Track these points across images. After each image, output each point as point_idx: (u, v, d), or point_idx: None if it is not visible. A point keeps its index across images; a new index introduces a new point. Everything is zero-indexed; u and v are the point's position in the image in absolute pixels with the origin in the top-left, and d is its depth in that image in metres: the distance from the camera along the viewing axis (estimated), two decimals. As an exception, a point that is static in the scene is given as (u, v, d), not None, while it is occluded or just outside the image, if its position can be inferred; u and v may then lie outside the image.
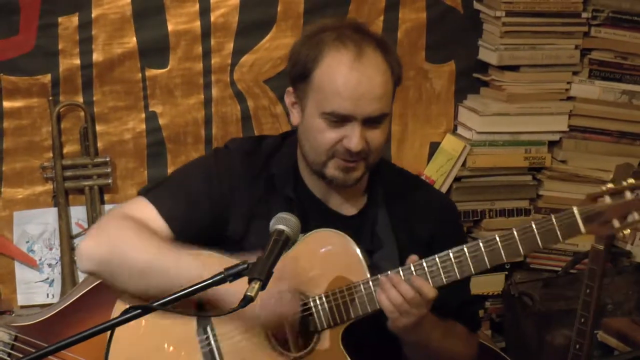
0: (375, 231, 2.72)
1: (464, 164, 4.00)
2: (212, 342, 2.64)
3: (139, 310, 2.16)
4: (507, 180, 4.07)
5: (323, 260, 2.58)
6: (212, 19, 3.82)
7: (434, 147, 4.09)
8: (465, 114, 4.06)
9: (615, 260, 3.88)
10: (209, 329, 2.65)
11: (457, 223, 2.94)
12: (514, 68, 4.01)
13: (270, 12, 3.84)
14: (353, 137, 2.56)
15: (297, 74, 2.64)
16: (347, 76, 2.55)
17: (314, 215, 2.68)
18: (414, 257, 2.56)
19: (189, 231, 2.66)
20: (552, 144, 4.08)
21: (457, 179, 4.02)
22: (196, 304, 2.61)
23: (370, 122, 2.58)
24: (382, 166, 2.77)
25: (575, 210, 2.50)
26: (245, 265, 2.26)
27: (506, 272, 4.09)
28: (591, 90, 4.03)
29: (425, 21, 4.00)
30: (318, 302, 2.59)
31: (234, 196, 2.69)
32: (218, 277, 2.25)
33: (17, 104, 3.75)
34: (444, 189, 3.97)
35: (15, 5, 3.66)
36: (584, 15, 3.97)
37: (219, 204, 2.69)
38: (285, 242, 2.37)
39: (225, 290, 2.42)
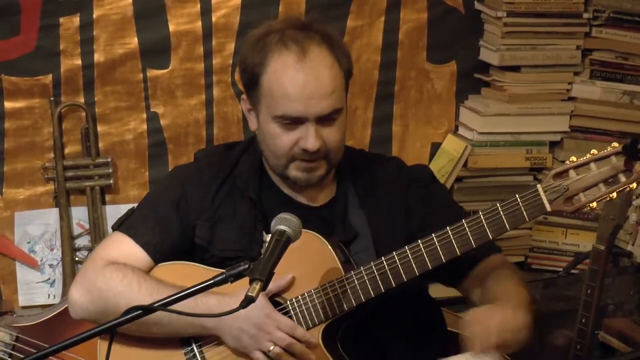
0: (348, 220, 2.71)
1: (465, 165, 4.00)
2: (197, 352, 2.66)
3: (139, 311, 2.16)
4: (508, 180, 4.07)
5: (297, 261, 2.56)
6: (213, 19, 3.82)
7: (435, 147, 4.09)
8: (467, 114, 4.06)
9: (617, 260, 3.88)
10: (192, 340, 2.67)
11: (429, 182, 2.84)
12: (515, 68, 4.01)
13: (271, 12, 3.84)
14: (309, 138, 2.58)
15: (247, 81, 2.68)
16: (293, 78, 2.56)
17: (280, 212, 2.63)
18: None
19: (165, 251, 2.71)
20: (553, 145, 4.08)
21: (458, 180, 4.02)
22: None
23: (324, 119, 2.59)
24: (348, 156, 2.77)
25: (539, 188, 2.48)
26: (247, 266, 2.26)
27: (507, 273, 4.09)
28: (592, 91, 4.03)
29: (426, 22, 4.00)
30: (296, 304, 2.60)
31: (199, 205, 2.72)
32: (219, 278, 2.25)
33: (19, 104, 3.75)
34: (445, 189, 3.97)
35: (17, 6, 3.66)
36: (585, 15, 3.97)
37: (186, 217, 2.72)
38: (287, 243, 2.37)
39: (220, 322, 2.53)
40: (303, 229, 2.53)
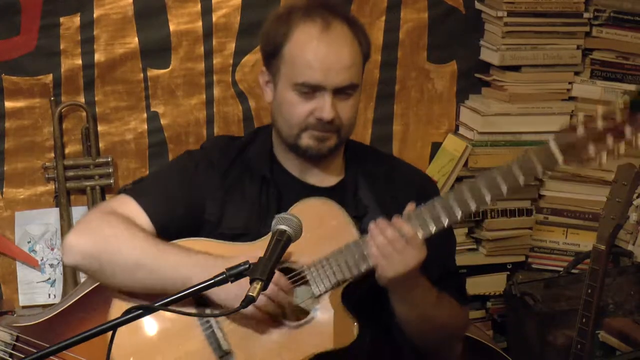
0: (359, 197, 2.77)
1: (465, 164, 4.00)
2: (213, 323, 2.67)
3: (140, 311, 2.16)
4: (508, 180, 4.06)
5: (312, 228, 2.58)
6: (213, 19, 3.82)
7: (435, 147, 4.09)
8: (467, 114, 4.06)
9: (617, 260, 3.88)
10: (208, 311, 2.67)
11: (437, 192, 2.94)
12: (515, 68, 4.01)
13: (271, 12, 3.83)
14: (325, 107, 2.65)
15: (269, 51, 2.74)
16: (316, 48, 2.65)
17: (291, 192, 2.75)
18: (411, 205, 2.60)
19: (169, 221, 2.74)
20: (553, 144, 4.08)
21: (458, 179, 4.02)
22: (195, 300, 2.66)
23: (340, 92, 2.67)
24: (356, 146, 2.88)
25: (551, 142, 2.54)
26: (247, 265, 2.26)
27: (508, 272, 4.10)
28: (593, 91, 4.03)
29: (427, 21, 4.00)
30: (312, 269, 2.62)
31: (208, 186, 2.77)
32: (219, 278, 2.25)
33: (19, 104, 3.75)
34: (445, 189, 3.96)
35: (17, 6, 3.66)
36: (586, 15, 3.97)
37: (194, 195, 2.77)
38: (287, 243, 2.38)
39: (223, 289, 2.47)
40: (317, 197, 2.65)
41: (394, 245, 2.54)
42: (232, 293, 2.53)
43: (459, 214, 2.58)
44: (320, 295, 2.63)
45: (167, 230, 2.74)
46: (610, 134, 2.52)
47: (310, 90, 2.66)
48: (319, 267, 2.62)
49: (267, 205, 2.74)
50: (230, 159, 2.80)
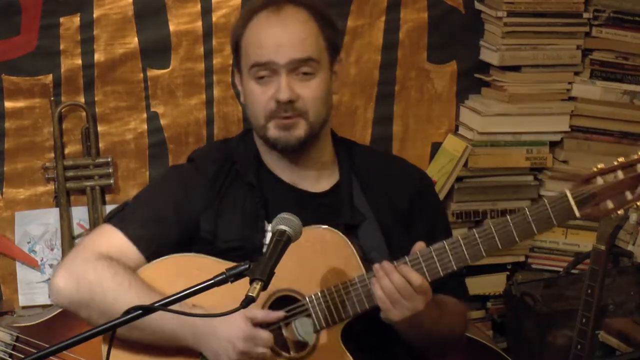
0: (354, 205, 2.71)
1: (465, 164, 4.00)
2: None
3: (140, 311, 2.16)
4: (508, 180, 4.07)
5: (316, 258, 2.56)
6: (213, 19, 3.82)
7: (435, 147, 4.09)
8: (467, 114, 4.06)
9: (617, 260, 3.88)
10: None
11: (433, 192, 2.94)
12: (515, 68, 4.00)
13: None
14: (280, 87, 2.59)
15: (234, 53, 2.72)
16: (265, 28, 2.61)
17: (280, 198, 2.69)
18: (421, 244, 2.54)
19: (157, 246, 2.68)
20: (553, 144, 4.08)
21: (458, 179, 4.02)
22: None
23: (296, 70, 2.61)
24: (348, 144, 2.82)
25: (568, 194, 2.48)
26: (247, 266, 2.26)
27: (508, 272, 4.10)
28: (592, 91, 4.03)
29: (426, 21, 3.99)
30: (315, 301, 2.57)
31: (200, 202, 2.70)
32: (220, 278, 2.25)
33: (19, 104, 3.75)
34: (445, 189, 3.96)
35: (17, 6, 3.66)
36: (586, 15, 3.97)
37: (186, 214, 2.70)
38: (287, 243, 2.37)
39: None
40: (324, 226, 2.57)
41: (401, 293, 2.49)
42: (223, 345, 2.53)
43: (468, 261, 2.53)
44: (321, 330, 2.58)
45: (156, 254, 2.67)
46: (629, 189, 2.46)
47: (266, 73, 2.61)
48: (322, 301, 2.56)
49: (256, 214, 2.68)
50: (221, 168, 2.74)
